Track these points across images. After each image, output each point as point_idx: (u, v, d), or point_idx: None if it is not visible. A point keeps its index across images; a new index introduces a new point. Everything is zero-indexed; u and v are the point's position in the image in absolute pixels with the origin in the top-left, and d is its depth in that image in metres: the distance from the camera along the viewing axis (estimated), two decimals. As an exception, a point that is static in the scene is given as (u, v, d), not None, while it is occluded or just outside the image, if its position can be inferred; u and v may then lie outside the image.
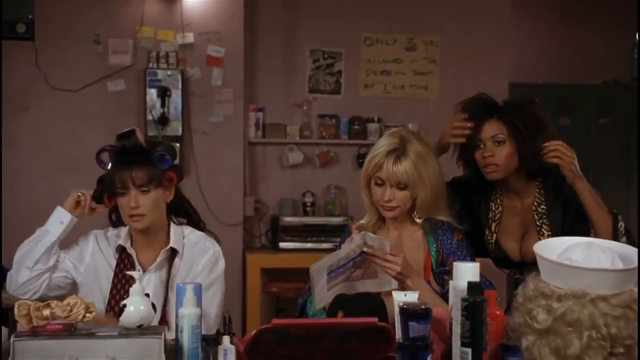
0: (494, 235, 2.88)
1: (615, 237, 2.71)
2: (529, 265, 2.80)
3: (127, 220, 2.59)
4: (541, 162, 2.75)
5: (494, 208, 2.88)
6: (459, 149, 2.84)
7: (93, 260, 2.65)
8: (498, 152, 2.74)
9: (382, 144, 2.61)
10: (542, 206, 2.81)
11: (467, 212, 2.88)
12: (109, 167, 2.57)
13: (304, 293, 2.66)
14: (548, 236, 2.78)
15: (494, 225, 2.88)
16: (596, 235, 2.69)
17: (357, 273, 2.51)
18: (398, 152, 2.57)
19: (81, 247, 2.67)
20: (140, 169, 2.54)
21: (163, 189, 2.60)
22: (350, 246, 2.48)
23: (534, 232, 2.82)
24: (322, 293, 2.53)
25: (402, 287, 2.42)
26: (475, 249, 2.77)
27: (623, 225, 2.76)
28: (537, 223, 2.81)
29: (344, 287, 2.50)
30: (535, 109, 2.80)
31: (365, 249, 2.45)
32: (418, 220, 2.62)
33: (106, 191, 2.59)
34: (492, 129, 2.76)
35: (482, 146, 2.76)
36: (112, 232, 2.69)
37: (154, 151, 2.58)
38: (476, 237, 2.86)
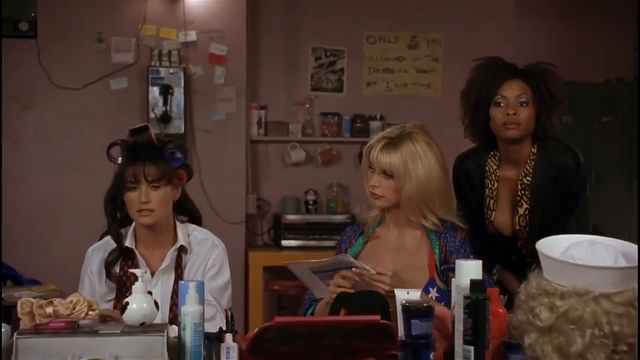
0: (493, 213, 2.87)
1: None
2: (521, 240, 2.84)
3: (134, 215, 2.58)
4: (549, 133, 2.79)
5: (490, 185, 2.87)
6: (474, 106, 2.82)
7: (100, 278, 2.63)
8: (521, 112, 2.75)
9: (383, 131, 2.66)
10: (528, 178, 2.81)
11: (470, 192, 2.91)
12: (120, 161, 2.57)
13: (305, 302, 2.69)
14: (525, 209, 2.80)
15: (492, 203, 2.87)
16: None
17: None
18: (389, 141, 2.57)
19: (85, 286, 2.65)
20: (153, 165, 2.54)
21: (172, 186, 2.60)
22: (330, 259, 2.52)
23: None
24: (321, 288, 2.55)
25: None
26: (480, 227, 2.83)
27: None
28: (519, 194, 2.81)
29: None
30: (558, 80, 2.83)
31: (353, 269, 2.48)
32: (412, 218, 2.62)
33: (116, 186, 2.57)
34: (517, 88, 2.77)
35: (502, 104, 2.76)
36: (109, 238, 2.66)
37: (166, 148, 2.58)
38: (479, 215, 2.88)
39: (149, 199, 2.54)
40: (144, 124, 2.62)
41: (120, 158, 2.57)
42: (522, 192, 2.81)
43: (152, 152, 2.56)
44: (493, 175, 2.86)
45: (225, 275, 2.67)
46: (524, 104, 2.75)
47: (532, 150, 2.81)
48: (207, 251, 2.66)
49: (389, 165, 2.55)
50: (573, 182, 2.78)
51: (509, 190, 2.85)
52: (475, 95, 2.82)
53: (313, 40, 5.77)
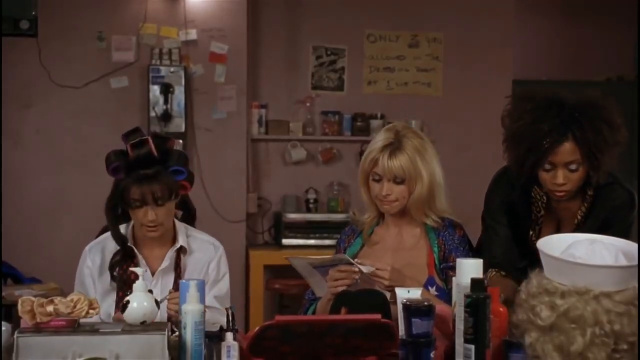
0: (538, 235, 2.67)
1: None
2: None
3: (140, 229, 2.57)
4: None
5: (535, 211, 2.69)
6: (520, 161, 2.53)
7: (100, 275, 2.62)
8: (571, 178, 2.51)
9: (378, 140, 2.62)
10: (582, 220, 2.64)
11: (509, 209, 2.70)
12: (122, 176, 2.49)
13: (305, 302, 2.69)
14: None
15: (537, 228, 2.70)
16: None
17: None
18: (393, 147, 2.57)
19: (85, 282, 2.63)
20: (159, 185, 2.48)
21: (176, 198, 2.58)
22: (330, 257, 2.52)
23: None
24: (321, 285, 2.55)
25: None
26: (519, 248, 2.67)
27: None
28: (571, 229, 2.62)
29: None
30: (612, 115, 2.57)
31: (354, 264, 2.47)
32: (415, 217, 2.63)
33: (118, 198, 2.53)
34: (567, 154, 2.47)
35: (549, 167, 2.50)
36: (107, 235, 2.65)
37: (168, 165, 2.51)
38: (518, 235, 2.70)
39: (156, 216, 2.51)
40: (143, 137, 2.49)
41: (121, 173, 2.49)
42: (575, 230, 2.62)
43: (155, 169, 2.48)
44: (539, 203, 2.68)
45: (224, 272, 2.70)
46: (574, 171, 2.50)
47: (589, 192, 2.64)
48: (209, 252, 2.67)
49: (400, 169, 2.55)
50: (622, 220, 2.65)
51: (555, 215, 2.70)
52: (522, 154, 2.52)
53: (314, 38, 5.77)
